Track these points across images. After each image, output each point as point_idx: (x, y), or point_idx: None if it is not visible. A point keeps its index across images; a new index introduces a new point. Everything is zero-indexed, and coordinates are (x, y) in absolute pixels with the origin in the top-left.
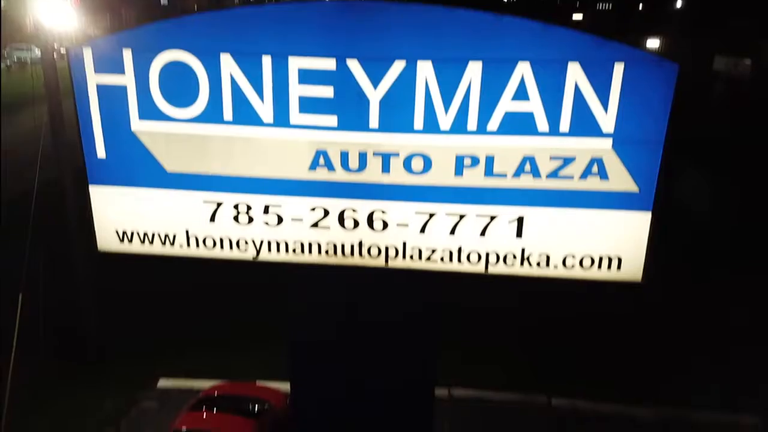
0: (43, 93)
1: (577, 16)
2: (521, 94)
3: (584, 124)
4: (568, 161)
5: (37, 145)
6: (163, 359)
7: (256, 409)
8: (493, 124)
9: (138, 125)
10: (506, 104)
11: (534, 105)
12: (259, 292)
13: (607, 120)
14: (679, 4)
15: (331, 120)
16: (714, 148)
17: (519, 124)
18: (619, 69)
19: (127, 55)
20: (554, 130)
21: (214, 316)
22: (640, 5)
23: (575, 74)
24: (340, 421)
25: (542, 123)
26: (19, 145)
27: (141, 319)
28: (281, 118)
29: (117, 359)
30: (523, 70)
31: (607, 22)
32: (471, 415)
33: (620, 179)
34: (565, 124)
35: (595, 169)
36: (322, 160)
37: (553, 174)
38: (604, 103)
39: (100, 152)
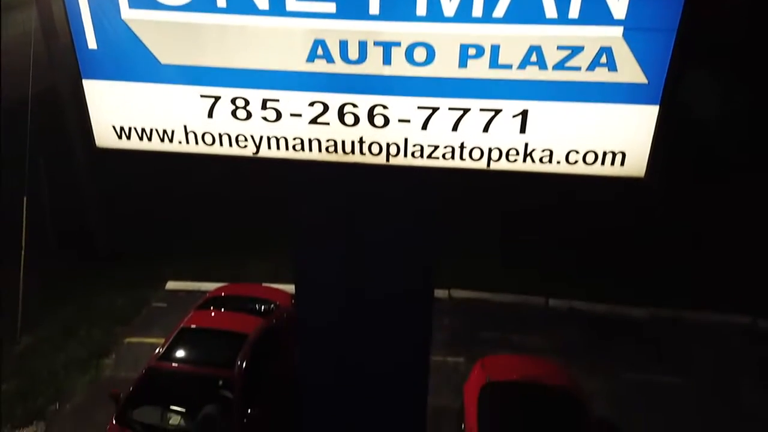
0: None
1: None
2: None
3: (595, 11)
4: (576, 51)
5: (26, 53)
6: (170, 262)
7: (262, 308)
8: (500, 10)
9: (128, 13)
10: None
11: None
12: (262, 198)
13: (619, 5)
14: None
15: (330, 6)
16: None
17: (526, 11)
18: None
19: None
20: (563, 17)
21: (220, 223)
22: None
23: None
24: (341, 322)
25: (551, 9)
26: (8, 53)
27: (148, 223)
28: (277, 5)
29: (126, 262)
30: None
31: None
32: (470, 314)
33: (629, 70)
34: (574, 11)
35: (603, 59)
36: (320, 51)
37: (560, 65)
38: None
39: (91, 43)
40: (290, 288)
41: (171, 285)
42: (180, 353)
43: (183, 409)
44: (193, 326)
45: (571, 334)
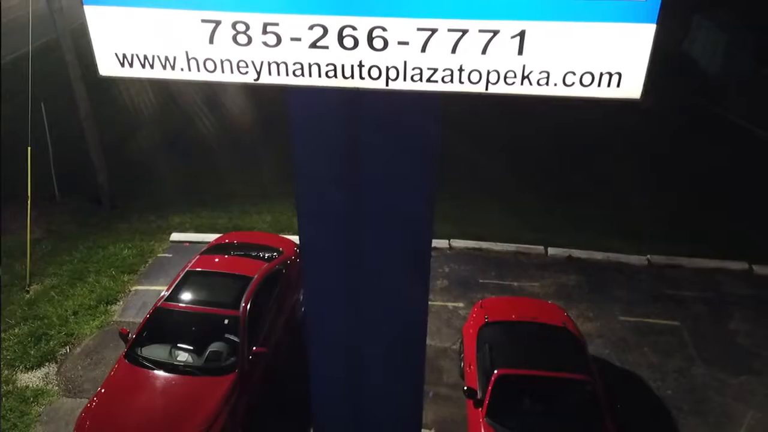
0: None
1: None
2: None
3: None
4: None
5: (22, 11)
6: (174, 214)
7: (266, 254)
8: None
9: None
10: None
11: None
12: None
13: None
14: None
15: None
16: None
17: None
18: None
19: None
20: None
21: (224, 175)
22: None
23: None
24: (345, 246)
25: None
26: (12, 8)
27: (152, 175)
28: None
29: (130, 213)
30: None
31: None
32: (470, 262)
33: None
34: None
35: None
36: None
37: None
38: None
39: None
40: (295, 237)
41: (175, 236)
42: (186, 294)
43: (190, 347)
44: (199, 269)
45: (569, 281)
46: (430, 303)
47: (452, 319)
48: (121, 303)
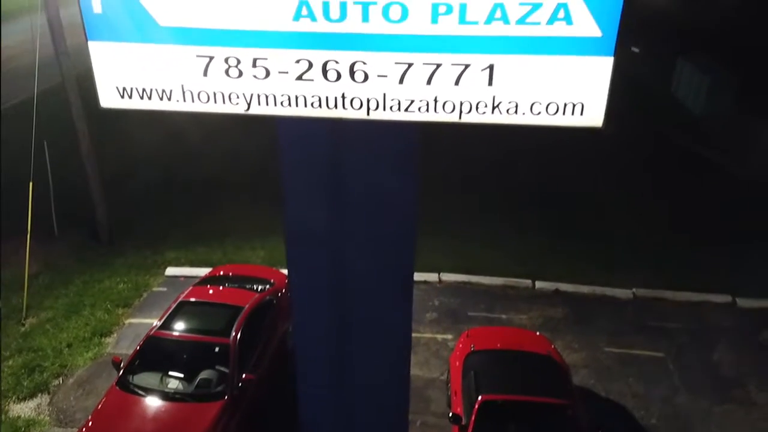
0: (37, 2)
1: None
2: None
3: None
4: (536, 7)
5: (30, 58)
6: (170, 249)
7: (258, 285)
8: None
9: None
10: None
11: None
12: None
13: None
14: None
15: None
16: None
17: None
18: None
19: None
20: None
21: (219, 211)
22: None
23: None
24: (330, 269)
25: None
26: (13, 57)
27: (149, 210)
28: None
29: (127, 248)
30: None
31: None
32: (459, 295)
33: (584, 24)
34: None
35: (561, 14)
36: (305, 11)
37: (522, 20)
38: None
39: (96, 7)
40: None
41: (170, 271)
42: (178, 323)
43: (181, 375)
44: (192, 299)
45: (556, 314)
46: (419, 335)
47: (441, 351)
48: (115, 335)
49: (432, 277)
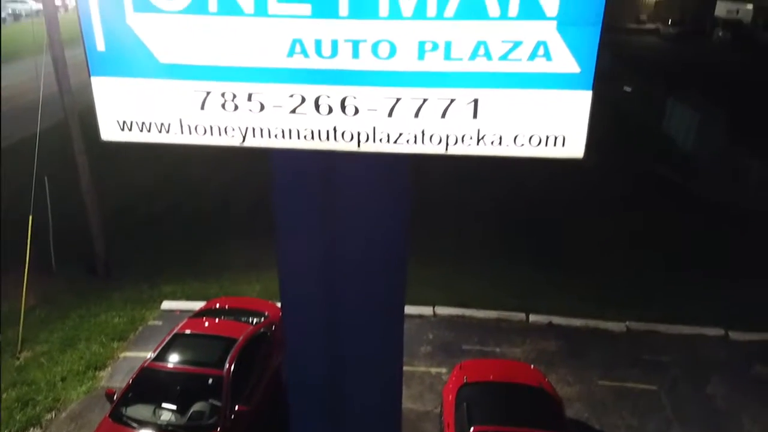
0: (42, 44)
1: None
2: None
3: (531, 8)
4: (517, 44)
5: (33, 96)
6: (167, 283)
7: (252, 318)
8: (450, 10)
9: (132, 18)
10: None
11: None
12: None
13: (551, 3)
14: None
15: (305, 8)
16: None
17: (472, 10)
18: None
19: None
20: (504, 15)
21: (216, 246)
22: None
23: None
24: (323, 298)
25: (493, 8)
26: (17, 96)
27: (147, 245)
28: (260, 8)
29: (125, 281)
30: None
31: None
32: (453, 328)
33: (563, 60)
34: (513, 9)
35: (541, 51)
36: (298, 48)
37: (504, 57)
38: None
39: (100, 45)
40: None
41: (166, 305)
42: (172, 355)
43: (174, 407)
44: (186, 332)
45: (550, 347)
46: (413, 368)
47: (435, 384)
48: (110, 369)
49: (426, 310)
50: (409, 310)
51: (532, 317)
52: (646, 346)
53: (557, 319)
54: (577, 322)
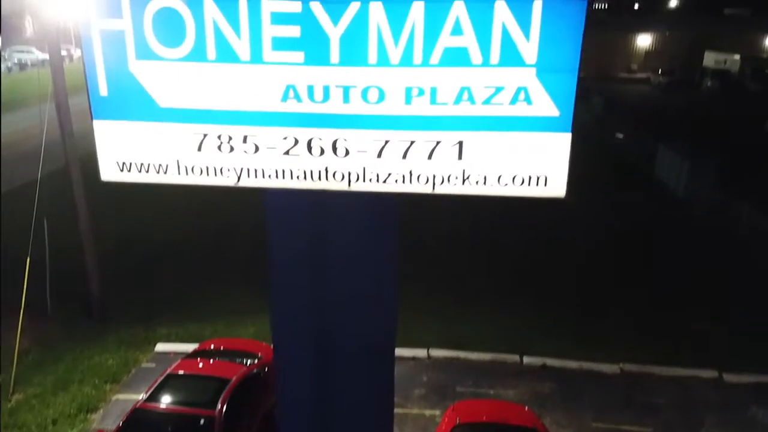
0: (47, 92)
1: None
2: (457, 30)
3: (511, 56)
4: (499, 89)
5: (36, 142)
6: (161, 326)
7: (245, 359)
8: (435, 57)
9: (134, 65)
10: (445, 40)
11: (468, 40)
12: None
13: (530, 51)
14: None
15: (299, 56)
16: None
17: (456, 57)
18: (537, 5)
19: (125, 2)
20: (486, 62)
21: (210, 289)
22: None
23: (502, 11)
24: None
25: (476, 56)
26: (20, 141)
27: (142, 287)
28: (256, 56)
29: (120, 323)
30: (459, 9)
31: None
32: (447, 370)
33: (543, 104)
34: (495, 57)
35: (522, 96)
36: (291, 93)
37: (487, 101)
38: (527, 37)
39: (103, 90)
40: None
41: (160, 347)
42: (164, 396)
43: None
44: (179, 372)
45: (544, 389)
46: (407, 411)
47: (429, 427)
48: (102, 411)
49: (421, 353)
50: (403, 352)
51: (526, 359)
52: (640, 388)
53: (551, 361)
54: (571, 363)
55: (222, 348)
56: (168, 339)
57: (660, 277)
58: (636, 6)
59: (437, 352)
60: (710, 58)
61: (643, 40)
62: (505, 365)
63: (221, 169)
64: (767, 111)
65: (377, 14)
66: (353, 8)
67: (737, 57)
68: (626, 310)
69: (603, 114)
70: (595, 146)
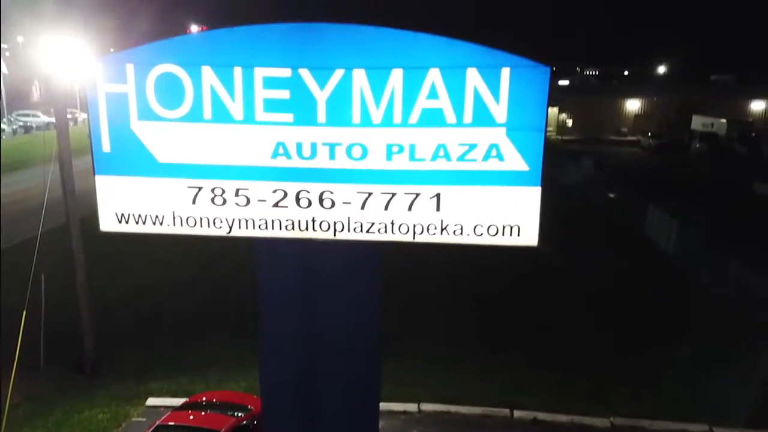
0: (51, 153)
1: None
2: (433, 94)
3: (483, 117)
4: (472, 147)
5: (39, 201)
6: (153, 380)
7: (236, 411)
8: (413, 118)
9: (136, 125)
10: (422, 102)
11: (443, 102)
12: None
13: (500, 112)
14: None
15: (288, 117)
16: None
17: (433, 118)
18: (506, 72)
19: (130, 68)
20: (460, 122)
21: (202, 342)
22: None
23: (473, 77)
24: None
25: (450, 117)
26: (23, 200)
27: (135, 341)
28: (249, 117)
29: (112, 378)
30: (434, 75)
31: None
32: (438, 424)
33: (514, 160)
34: (468, 117)
35: (493, 152)
36: (281, 150)
37: (461, 157)
38: (497, 99)
39: (106, 147)
40: None
41: (151, 401)
42: None
43: None
44: (170, 423)
45: None
46: None
47: None
48: None
49: (411, 407)
50: (394, 406)
51: (517, 413)
52: None
53: (542, 415)
54: (562, 417)
55: (213, 400)
56: (159, 393)
57: (653, 331)
58: (626, 72)
59: (427, 407)
60: (698, 122)
61: (633, 105)
62: (495, 419)
63: (214, 220)
64: (753, 172)
65: (360, 79)
66: (338, 74)
67: (723, 120)
68: (620, 364)
69: (593, 174)
70: (585, 205)
